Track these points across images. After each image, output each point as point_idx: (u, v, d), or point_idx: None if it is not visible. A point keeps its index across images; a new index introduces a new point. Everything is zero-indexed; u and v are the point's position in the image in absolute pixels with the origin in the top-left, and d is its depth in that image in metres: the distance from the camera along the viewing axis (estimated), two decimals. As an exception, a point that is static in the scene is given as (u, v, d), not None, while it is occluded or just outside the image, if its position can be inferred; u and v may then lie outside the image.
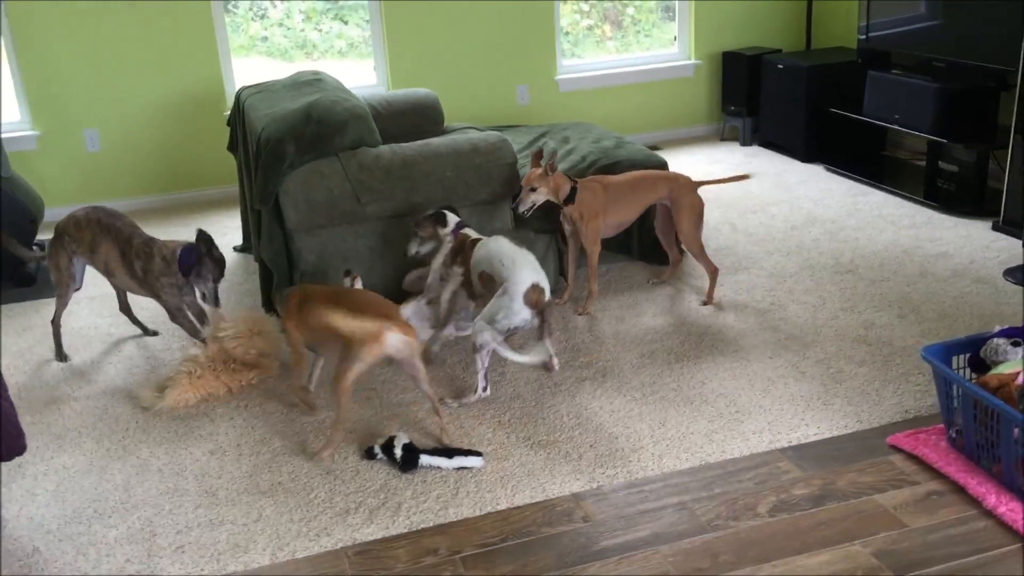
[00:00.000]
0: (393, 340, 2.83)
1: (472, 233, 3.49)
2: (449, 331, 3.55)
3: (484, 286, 3.33)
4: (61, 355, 3.71)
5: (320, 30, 5.92)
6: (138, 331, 3.90)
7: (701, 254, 3.86)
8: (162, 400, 3.27)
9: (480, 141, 3.78)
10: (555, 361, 3.40)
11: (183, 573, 2.47)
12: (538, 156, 3.67)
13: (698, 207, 3.83)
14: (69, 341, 3.82)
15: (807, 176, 5.48)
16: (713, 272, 3.88)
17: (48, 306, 4.19)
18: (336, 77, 4.36)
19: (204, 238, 3.41)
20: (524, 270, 3.19)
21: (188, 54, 5.39)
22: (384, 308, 2.94)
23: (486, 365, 3.19)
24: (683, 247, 3.98)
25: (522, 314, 3.15)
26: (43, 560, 2.55)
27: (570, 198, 3.68)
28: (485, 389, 3.23)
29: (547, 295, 3.23)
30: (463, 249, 3.43)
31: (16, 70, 5.17)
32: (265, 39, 5.76)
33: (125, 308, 3.87)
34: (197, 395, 3.30)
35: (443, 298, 3.48)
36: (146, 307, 3.92)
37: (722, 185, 5.31)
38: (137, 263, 3.48)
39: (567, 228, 3.83)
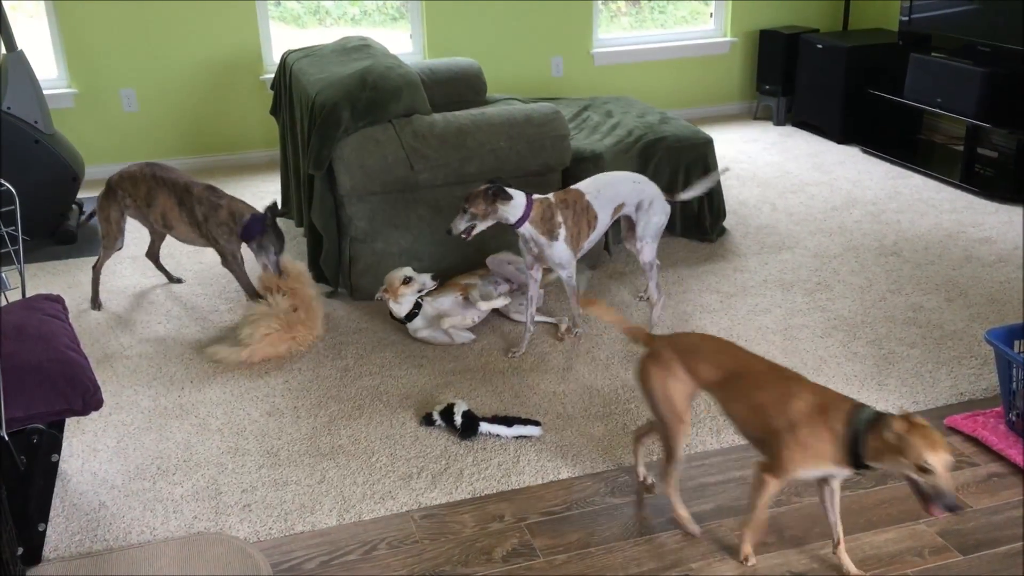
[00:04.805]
0: None
1: (544, 196, 3.23)
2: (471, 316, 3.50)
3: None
4: (96, 303, 3.78)
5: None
6: (164, 279, 4.02)
7: None
8: (240, 356, 3.31)
9: (533, 112, 3.76)
10: None
11: (252, 531, 2.49)
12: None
13: None
14: (115, 300, 3.83)
15: (844, 157, 5.47)
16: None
17: (91, 263, 4.20)
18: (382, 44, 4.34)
19: (274, 210, 3.46)
20: (651, 183, 3.44)
21: (227, 17, 5.35)
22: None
23: (656, 277, 3.47)
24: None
25: (667, 209, 3.42)
26: (110, 515, 2.57)
27: None
28: (660, 297, 3.50)
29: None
30: (553, 215, 3.19)
31: (55, 26, 5.14)
32: (278, 4, 5.70)
33: (153, 255, 3.95)
34: (278, 349, 3.35)
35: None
36: (172, 253, 3.93)
37: (757, 164, 5.33)
38: (199, 208, 3.50)
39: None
